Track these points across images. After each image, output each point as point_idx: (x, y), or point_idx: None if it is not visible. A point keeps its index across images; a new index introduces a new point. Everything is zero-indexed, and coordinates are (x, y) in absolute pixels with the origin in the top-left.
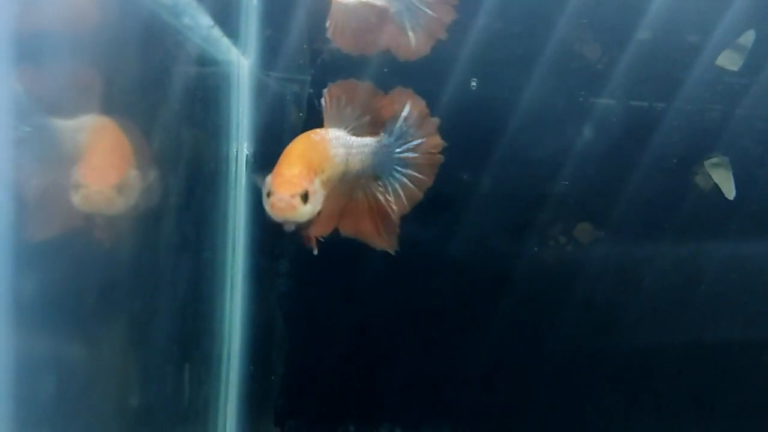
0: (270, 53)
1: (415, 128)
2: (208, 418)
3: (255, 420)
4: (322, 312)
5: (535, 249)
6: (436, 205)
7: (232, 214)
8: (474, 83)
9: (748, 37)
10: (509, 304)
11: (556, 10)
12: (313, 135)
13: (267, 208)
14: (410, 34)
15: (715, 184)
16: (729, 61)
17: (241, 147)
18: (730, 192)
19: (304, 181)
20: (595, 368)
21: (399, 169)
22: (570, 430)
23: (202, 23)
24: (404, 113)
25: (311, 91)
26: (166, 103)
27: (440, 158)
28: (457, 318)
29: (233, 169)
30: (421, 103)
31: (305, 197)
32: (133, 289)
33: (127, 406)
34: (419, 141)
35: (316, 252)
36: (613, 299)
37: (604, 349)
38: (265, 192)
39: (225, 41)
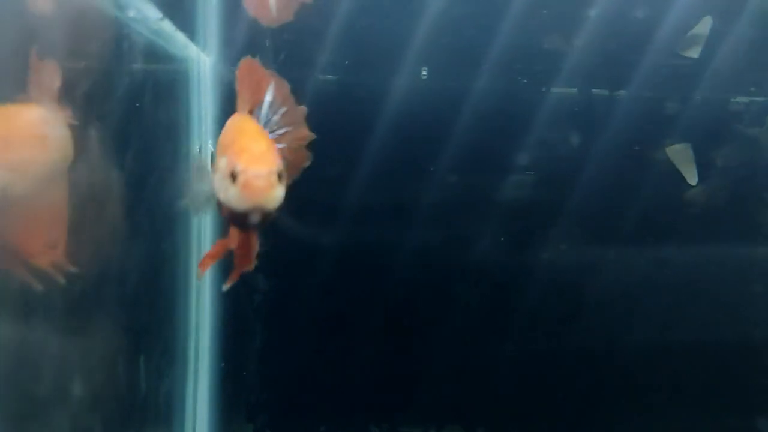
0: (232, 49)
1: (279, 116)
2: (174, 413)
3: (227, 416)
4: (295, 306)
5: (501, 239)
6: (404, 199)
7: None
8: (425, 72)
9: (706, 24)
10: (482, 302)
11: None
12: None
13: (232, 193)
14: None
15: (677, 170)
16: (688, 47)
17: (205, 143)
18: (692, 177)
19: (276, 157)
20: (566, 366)
21: None
22: (544, 427)
23: (149, 16)
24: (268, 98)
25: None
26: (106, 95)
27: (307, 154)
28: (430, 316)
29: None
30: (286, 88)
31: (281, 177)
32: (71, 275)
33: (69, 395)
34: (283, 131)
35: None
36: (579, 288)
37: (575, 347)
38: (222, 176)
39: (180, 36)
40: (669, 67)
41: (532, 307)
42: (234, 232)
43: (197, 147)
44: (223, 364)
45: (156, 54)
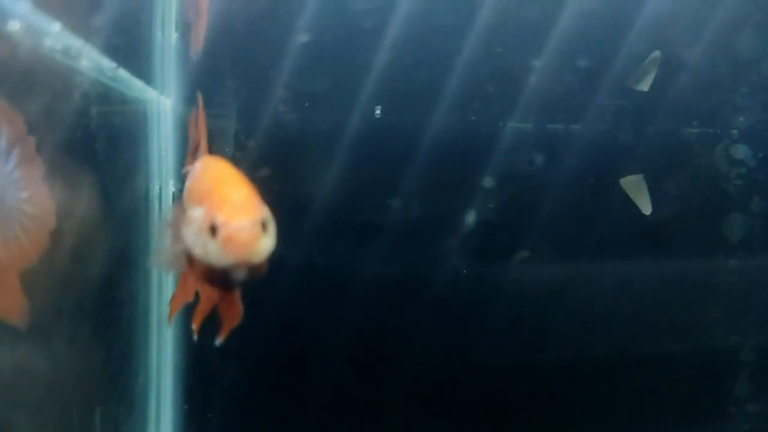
0: (193, 90)
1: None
2: None
3: None
4: (259, 344)
5: (464, 272)
6: (363, 234)
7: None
8: (378, 111)
9: (655, 58)
10: (441, 325)
11: (470, 38)
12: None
13: (212, 249)
14: None
15: (632, 201)
16: (638, 81)
17: (166, 184)
18: (646, 208)
19: (259, 205)
20: (526, 383)
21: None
22: None
23: (103, 65)
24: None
25: (237, 126)
26: (59, 141)
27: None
28: (394, 349)
29: (156, 207)
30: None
31: (266, 226)
32: (14, 333)
33: None
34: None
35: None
36: (539, 315)
37: (534, 364)
38: (198, 229)
39: (137, 81)
40: (622, 100)
41: (493, 334)
42: (211, 292)
43: (157, 187)
44: (186, 406)
45: (112, 98)
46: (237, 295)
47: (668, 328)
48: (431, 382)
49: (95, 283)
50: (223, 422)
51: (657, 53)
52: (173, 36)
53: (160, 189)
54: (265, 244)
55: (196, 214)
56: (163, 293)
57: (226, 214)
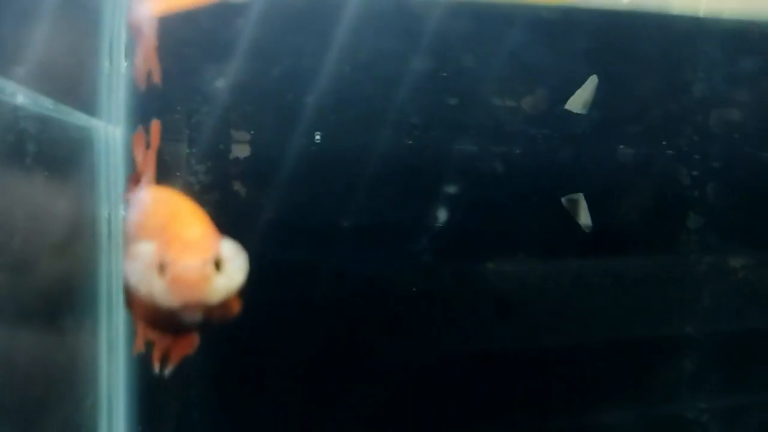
0: (143, 117)
1: None
2: None
3: None
4: (212, 364)
5: (413, 289)
6: (308, 258)
7: (105, 274)
8: (318, 137)
9: (592, 83)
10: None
11: (413, 63)
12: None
13: (157, 288)
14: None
15: (574, 218)
16: (576, 105)
17: (115, 210)
18: (587, 225)
19: (213, 242)
20: (490, 374)
21: None
22: None
23: (41, 103)
24: None
25: (189, 151)
26: None
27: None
28: (355, 368)
29: (104, 231)
30: None
31: (218, 264)
32: None
33: None
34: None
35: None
36: (493, 327)
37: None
38: (146, 266)
39: (79, 112)
40: (561, 123)
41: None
42: (158, 337)
43: (106, 213)
44: (140, 428)
45: (54, 128)
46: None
47: (620, 321)
48: (397, 375)
49: (34, 309)
50: None
51: (594, 77)
52: (122, 65)
53: (110, 215)
54: (216, 286)
55: (144, 250)
56: (113, 316)
57: (174, 252)
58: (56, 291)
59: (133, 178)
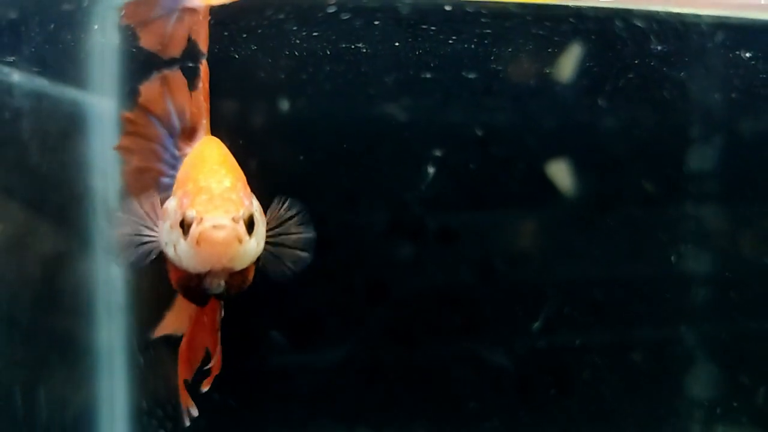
0: (134, 88)
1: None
2: None
3: None
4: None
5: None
6: None
7: (99, 246)
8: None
9: (576, 51)
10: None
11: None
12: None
13: (183, 250)
14: None
15: (558, 185)
16: (560, 72)
17: (110, 180)
18: (568, 191)
19: (244, 197)
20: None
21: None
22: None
23: (33, 81)
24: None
25: None
26: None
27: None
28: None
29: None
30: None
31: (251, 224)
32: None
33: None
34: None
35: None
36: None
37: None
38: (171, 227)
39: (72, 85)
40: (544, 92)
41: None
42: (184, 310)
43: (100, 183)
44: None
45: (46, 100)
46: (215, 326)
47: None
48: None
49: (34, 276)
50: None
51: (577, 47)
52: (115, 39)
53: (105, 185)
54: (247, 248)
55: (170, 205)
56: (111, 281)
57: (201, 207)
58: (51, 259)
59: (185, 134)
